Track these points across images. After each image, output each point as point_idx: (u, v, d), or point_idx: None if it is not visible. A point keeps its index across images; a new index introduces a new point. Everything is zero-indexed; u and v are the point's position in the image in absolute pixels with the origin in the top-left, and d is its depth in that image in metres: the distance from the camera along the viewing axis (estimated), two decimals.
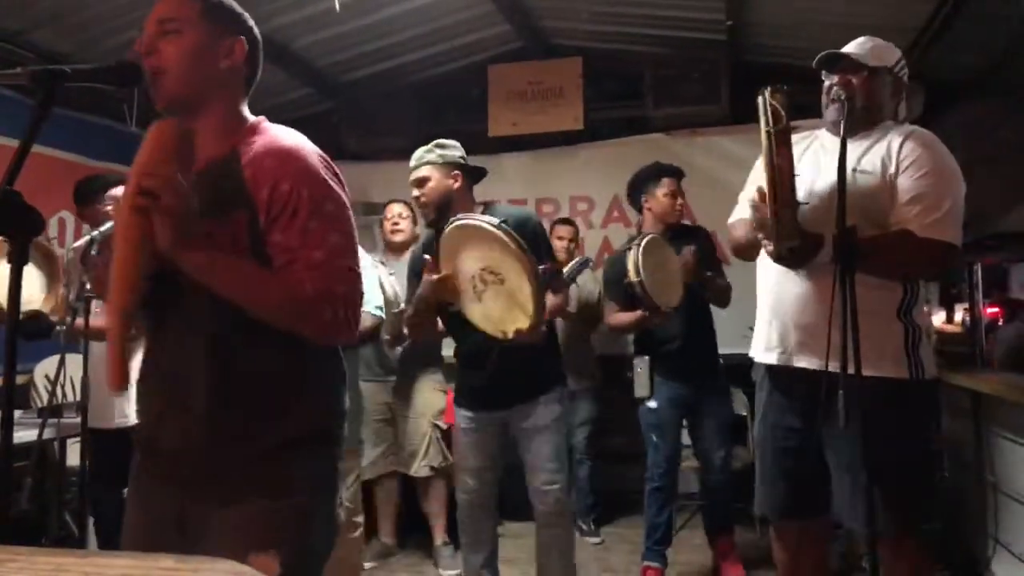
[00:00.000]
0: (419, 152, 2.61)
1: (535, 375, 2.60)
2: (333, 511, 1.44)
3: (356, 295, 1.33)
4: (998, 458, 3.03)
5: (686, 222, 3.54)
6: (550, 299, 2.45)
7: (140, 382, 1.40)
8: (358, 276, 1.34)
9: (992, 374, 3.32)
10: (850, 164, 1.95)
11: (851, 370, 1.65)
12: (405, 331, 3.28)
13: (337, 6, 3.61)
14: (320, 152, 1.37)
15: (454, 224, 2.31)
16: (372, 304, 2.67)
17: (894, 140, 1.97)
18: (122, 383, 1.17)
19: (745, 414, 4.23)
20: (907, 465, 1.93)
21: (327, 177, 1.34)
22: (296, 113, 5.15)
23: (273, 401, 1.32)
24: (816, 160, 2.04)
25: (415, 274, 2.61)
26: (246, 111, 1.41)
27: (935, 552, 2.00)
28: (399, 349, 3.66)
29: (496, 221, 2.23)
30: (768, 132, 1.81)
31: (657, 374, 3.41)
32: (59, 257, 2.90)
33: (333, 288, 1.28)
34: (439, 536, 3.71)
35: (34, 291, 2.79)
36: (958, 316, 4.00)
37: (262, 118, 1.41)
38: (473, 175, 2.67)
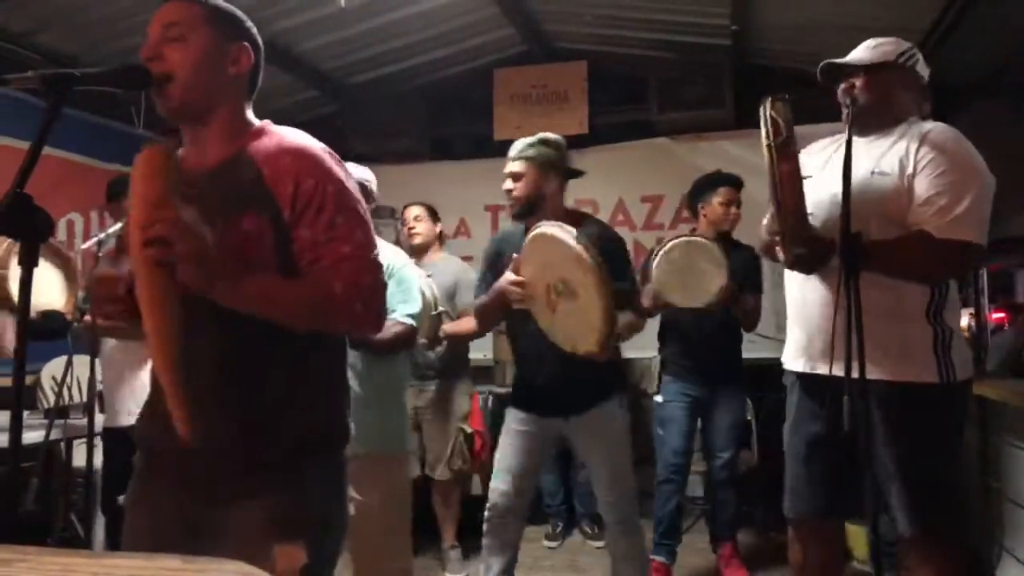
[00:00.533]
0: (521, 144, 2.53)
1: (593, 382, 2.48)
2: (344, 512, 1.46)
3: (382, 286, 1.37)
4: (1004, 464, 3.02)
5: (737, 238, 3.51)
6: (624, 317, 2.36)
7: (151, 383, 1.41)
8: (381, 267, 1.37)
9: (999, 380, 3.30)
10: (869, 166, 1.95)
11: (857, 375, 1.65)
12: (444, 332, 3.30)
13: (342, 2, 3.60)
14: (329, 149, 1.39)
15: (538, 231, 2.27)
16: (403, 312, 2.58)
17: (913, 139, 1.94)
18: (192, 428, 1.16)
19: (750, 419, 4.23)
20: (936, 469, 1.91)
21: (343, 173, 1.37)
22: (302, 116, 5.17)
23: (280, 402, 1.33)
24: (837, 163, 2.04)
25: (490, 266, 2.59)
26: (250, 114, 1.42)
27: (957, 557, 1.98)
28: (431, 354, 3.56)
29: (577, 234, 2.18)
30: (769, 146, 1.80)
31: (669, 372, 3.49)
32: (72, 258, 2.90)
33: (361, 281, 1.31)
34: (448, 539, 3.71)
35: (54, 292, 2.79)
36: (964, 321, 3.99)
37: (267, 121, 1.43)
38: (566, 177, 2.59)
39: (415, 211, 3.80)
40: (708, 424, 3.53)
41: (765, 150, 1.82)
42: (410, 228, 3.76)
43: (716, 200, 3.46)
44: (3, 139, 3.47)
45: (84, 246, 2.83)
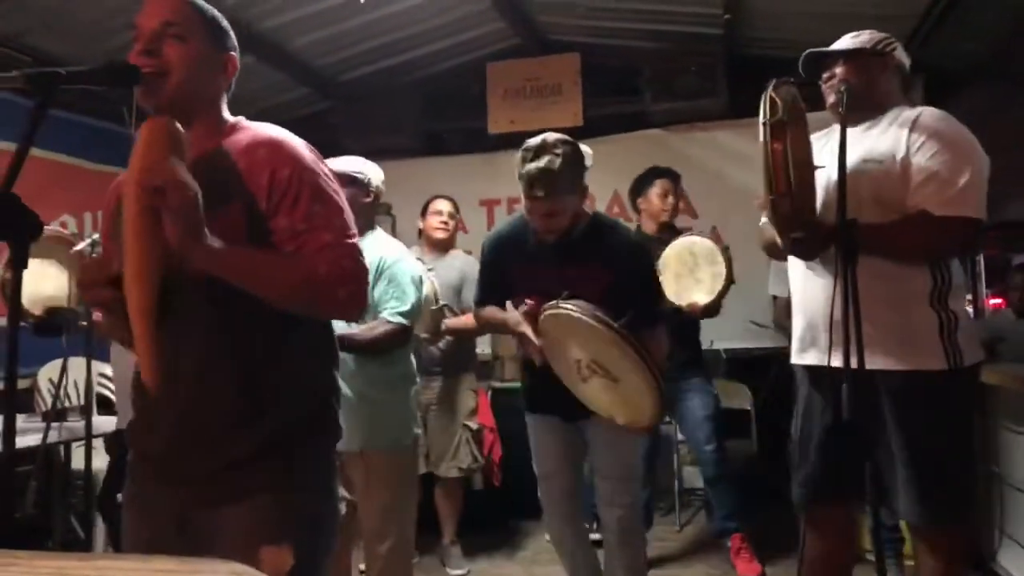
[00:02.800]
0: (558, 181, 2.16)
1: None
2: (335, 505, 1.46)
3: (364, 272, 1.38)
4: (1004, 450, 3.03)
5: (683, 224, 3.58)
6: (659, 347, 2.25)
7: (134, 382, 1.40)
8: (361, 253, 1.39)
9: (997, 365, 3.31)
10: (860, 154, 1.95)
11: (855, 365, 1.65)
12: (446, 327, 3.24)
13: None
14: (305, 143, 1.42)
15: (551, 313, 2.09)
16: (392, 310, 2.48)
17: (904, 124, 1.95)
18: (159, 379, 1.17)
19: (749, 408, 4.23)
20: (945, 457, 1.91)
21: (319, 162, 1.40)
22: (294, 113, 5.16)
23: (267, 395, 1.33)
24: (832, 152, 2.04)
25: (493, 262, 2.45)
26: (227, 113, 1.46)
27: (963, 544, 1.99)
28: (434, 349, 3.50)
29: (612, 323, 1.97)
30: (764, 124, 1.80)
31: None
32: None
33: (344, 267, 1.33)
34: (448, 536, 3.70)
35: (61, 290, 2.77)
36: None
37: (240, 117, 1.46)
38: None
39: (444, 205, 3.72)
40: (682, 419, 3.53)
41: (760, 128, 1.81)
42: (442, 223, 3.68)
43: (653, 192, 3.53)
44: None
45: (77, 248, 2.81)
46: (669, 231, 3.52)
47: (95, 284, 1.26)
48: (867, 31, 2.11)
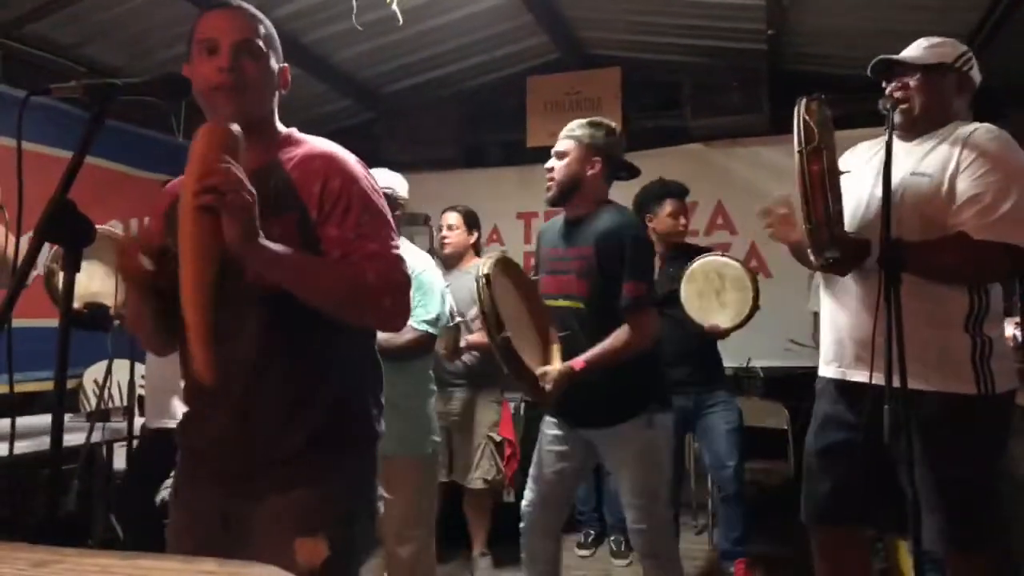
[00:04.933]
0: (572, 124, 2.43)
1: (616, 397, 2.29)
2: (373, 504, 1.49)
3: (408, 284, 1.42)
4: None
5: (722, 240, 3.52)
6: (619, 335, 2.23)
7: (185, 380, 1.44)
8: (406, 264, 1.42)
9: None
10: (910, 167, 1.91)
11: (897, 383, 1.62)
12: (467, 342, 3.24)
13: (399, 18, 3.56)
14: (353, 155, 1.46)
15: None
16: (418, 318, 2.51)
17: (957, 140, 1.89)
18: (215, 374, 1.19)
19: (786, 428, 4.16)
20: (972, 482, 1.86)
21: (368, 176, 1.44)
22: (337, 124, 5.23)
23: (314, 395, 1.36)
24: (880, 166, 2.00)
25: (536, 251, 2.62)
26: (280, 124, 1.50)
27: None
28: (458, 363, 3.48)
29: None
30: (800, 152, 1.78)
31: None
32: None
33: (391, 276, 1.36)
34: (478, 547, 3.69)
35: (107, 289, 2.83)
36: (1009, 331, 3.90)
37: (294, 129, 1.50)
38: (613, 168, 2.43)
39: (450, 219, 3.64)
40: (703, 435, 3.47)
41: (796, 156, 1.79)
42: (443, 237, 3.67)
43: (664, 212, 3.44)
44: (43, 148, 3.55)
45: None
46: (683, 252, 3.40)
47: (134, 254, 1.31)
48: (948, 40, 2.03)
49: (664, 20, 4.43)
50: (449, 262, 3.62)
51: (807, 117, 1.78)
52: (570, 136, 2.39)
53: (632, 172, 2.53)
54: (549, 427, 2.50)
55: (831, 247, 1.80)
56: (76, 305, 2.77)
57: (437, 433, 2.69)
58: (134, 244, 1.33)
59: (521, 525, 2.53)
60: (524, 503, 2.52)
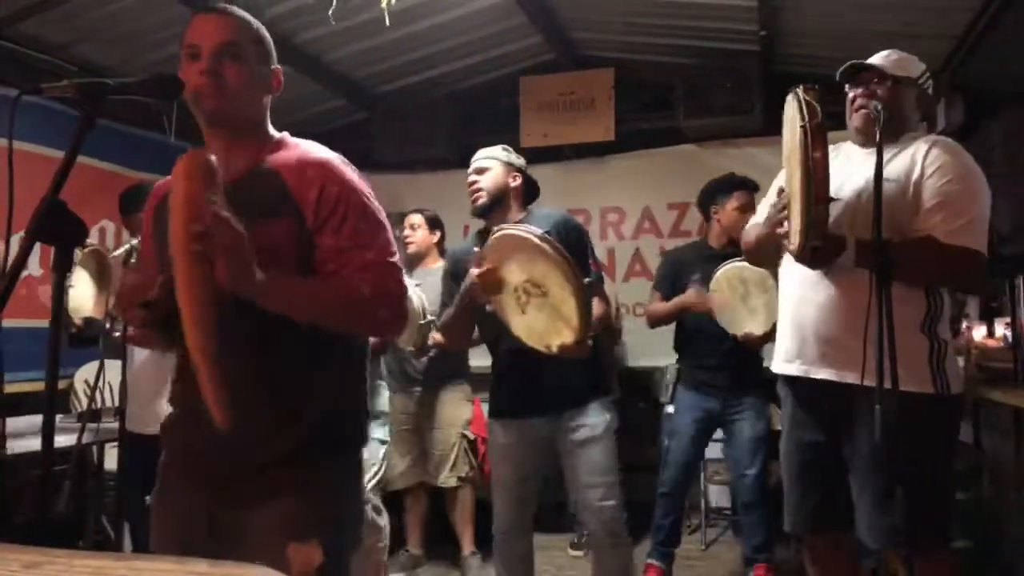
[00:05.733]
0: (485, 150, 2.63)
1: (581, 382, 2.45)
2: (360, 508, 1.51)
3: (404, 290, 1.43)
4: None
5: None
6: (596, 308, 2.35)
7: (173, 384, 1.43)
8: (402, 272, 1.43)
9: None
10: (870, 172, 1.93)
11: (887, 384, 1.63)
12: (433, 340, 3.22)
13: (387, 21, 3.57)
14: (345, 160, 1.46)
15: (497, 234, 2.26)
16: None
17: (919, 148, 1.97)
18: (228, 413, 1.18)
19: (780, 428, 4.16)
20: (931, 480, 1.90)
21: (363, 184, 1.44)
22: (330, 124, 5.22)
23: (300, 403, 1.36)
24: (841, 170, 2.02)
25: (453, 275, 2.56)
26: (271, 128, 1.49)
27: (970, 570, 1.96)
28: (423, 360, 3.61)
29: (540, 232, 2.17)
30: (804, 127, 1.79)
31: (684, 382, 3.44)
32: (110, 264, 2.95)
33: (386, 286, 1.37)
34: (467, 547, 3.70)
35: (87, 299, 2.84)
36: (999, 331, 3.91)
37: (285, 133, 1.50)
38: (529, 186, 2.64)
39: (413, 219, 3.82)
40: (729, 438, 3.46)
41: (799, 132, 1.79)
42: (405, 237, 3.77)
43: (731, 206, 3.38)
44: (36, 147, 3.53)
45: (115, 253, 2.87)
46: (736, 249, 3.38)
47: (132, 306, 1.31)
48: (910, 56, 2.10)
49: (657, 21, 4.44)
50: (412, 261, 3.75)
51: (808, 97, 1.81)
52: (487, 157, 2.60)
53: (536, 191, 2.68)
54: (498, 433, 2.57)
55: (816, 236, 1.82)
56: (75, 321, 2.80)
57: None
58: (131, 297, 1.34)
59: (493, 532, 2.59)
60: (495, 508, 2.59)
